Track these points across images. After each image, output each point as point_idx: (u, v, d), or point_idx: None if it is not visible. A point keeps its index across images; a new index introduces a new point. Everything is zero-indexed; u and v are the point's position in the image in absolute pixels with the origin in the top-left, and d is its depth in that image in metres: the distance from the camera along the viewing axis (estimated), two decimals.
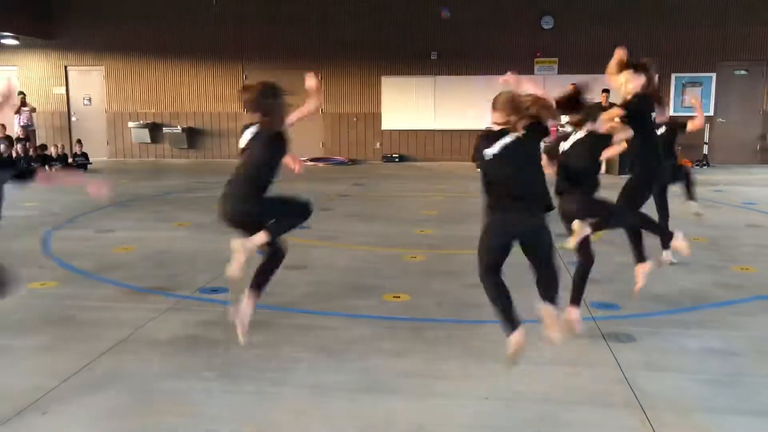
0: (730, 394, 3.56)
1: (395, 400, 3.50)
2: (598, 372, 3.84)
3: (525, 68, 15.43)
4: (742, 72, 15.22)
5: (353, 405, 3.44)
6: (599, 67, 16.59)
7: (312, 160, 15.82)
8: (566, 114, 4.20)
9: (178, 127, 16.53)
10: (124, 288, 5.52)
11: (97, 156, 16.00)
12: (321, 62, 16.07)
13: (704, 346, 4.23)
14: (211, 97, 16.64)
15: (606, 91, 13.69)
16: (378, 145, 16.33)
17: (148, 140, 16.69)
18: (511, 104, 3.65)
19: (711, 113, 15.18)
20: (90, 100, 17.11)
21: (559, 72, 15.25)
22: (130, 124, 16.63)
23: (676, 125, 6.19)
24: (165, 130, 16.57)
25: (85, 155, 14.56)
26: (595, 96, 13.73)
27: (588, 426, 3.23)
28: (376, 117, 16.25)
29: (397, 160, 16.08)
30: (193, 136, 16.73)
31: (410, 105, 16.05)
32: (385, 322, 4.70)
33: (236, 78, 16.48)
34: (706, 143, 14.90)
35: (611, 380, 3.74)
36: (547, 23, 15.28)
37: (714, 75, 15.19)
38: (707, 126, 14.82)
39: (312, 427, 3.24)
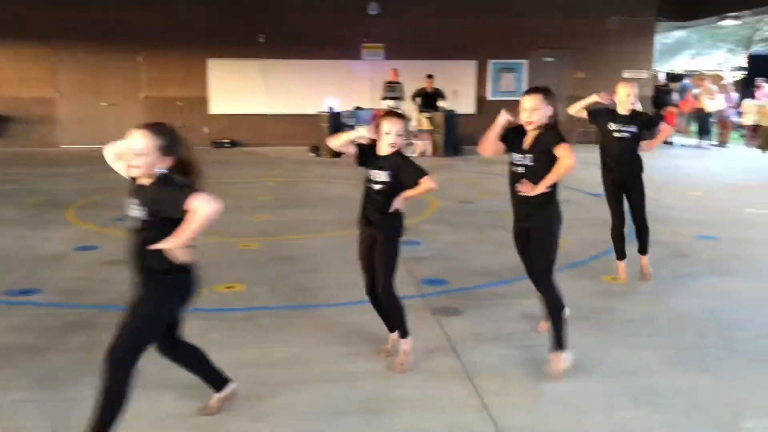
0: (547, 358, 3.84)
1: None
2: (428, 346, 4.00)
3: (353, 54, 15.65)
4: (550, 59, 16.48)
5: (182, 402, 3.31)
6: (423, 53, 17.26)
7: None
8: None
9: None
10: None
11: None
12: (141, 43, 15.20)
13: (523, 314, 4.55)
14: (18, 81, 15.14)
15: (430, 76, 14.23)
16: (206, 130, 15.78)
17: None
18: None
19: None
20: None
21: (386, 57, 15.60)
22: None
23: None
24: None
25: None
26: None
27: (419, 400, 3.35)
28: (204, 101, 15.69)
29: (228, 145, 15.66)
30: None
31: (240, 89, 15.67)
32: (217, 314, 4.57)
33: (47, 61, 15.15)
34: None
35: (440, 353, 3.91)
36: (373, 9, 15.54)
37: (526, 62, 16.33)
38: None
39: (140, 429, 3.08)
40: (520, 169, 3.69)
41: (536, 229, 3.72)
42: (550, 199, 3.68)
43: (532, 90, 3.72)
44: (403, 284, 5.14)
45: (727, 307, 4.73)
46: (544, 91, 3.69)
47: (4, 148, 15.04)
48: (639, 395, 3.40)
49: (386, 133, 3.52)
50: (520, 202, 3.73)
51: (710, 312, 4.62)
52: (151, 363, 3.70)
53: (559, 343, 3.61)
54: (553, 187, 3.66)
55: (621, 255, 5.29)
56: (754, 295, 5.01)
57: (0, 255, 6.02)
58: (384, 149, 3.57)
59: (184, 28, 15.10)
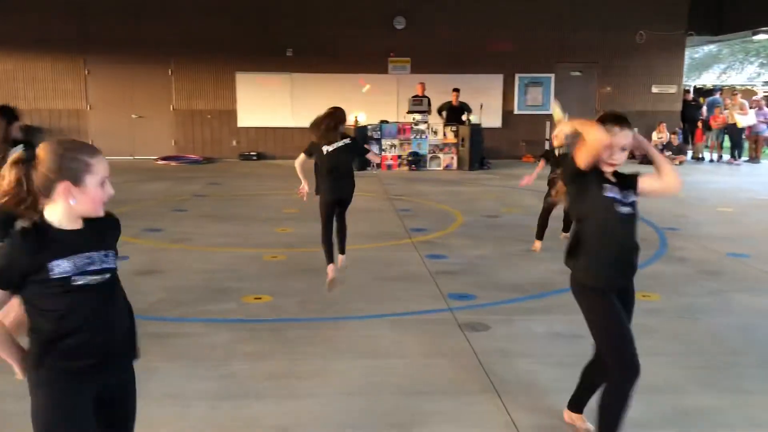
0: (575, 374, 3.78)
1: (258, 404, 3.43)
2: (455, 361, 3.97)
3: (379, 67, 15.74)
4: (577, 73, 16.41)
5: (214, 412, 3.32)
6: (449, 67, 17.30)
7: (164, 158, 15.18)
8: None
9: None
10: None
11: None
12: (171, 56, 15.45)
13: (551, 330, 4.50)
14: (50, 93, 15.46)
15: (456, 90, 14.26)
16: (234, 142, 15.96)
17: None
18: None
19: (551, 111, 16.23)
20: None
21: (412, 71, 15.67)
22: None
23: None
24: None
25: None
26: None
27: (446, 414, 3.33)
28: (232, 114, 15.88)
29: (255, 157, 15.80)
30: (31, 136, 15.44)
31: (267, 102, 15.82)
32: (246, 324, 4.59)
33: (79, 73, 15.45)
34: (548, 139, 15.91)
35: (468, 368, 3.88)
36: (400, 23, 15.63)
37: (552, 76, 16.27)
38: (548, 123, 15.89)
39: None
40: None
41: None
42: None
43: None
44: (430, 298, 5.16)
45: (762, 325, 4.64)
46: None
47: None
48: (669, 414, 3.34)
49: None
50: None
51: (744, 330, 4.53)
52: None
53: None
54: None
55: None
56: None
57: None
58: None
59: (213, 42, 15.31)
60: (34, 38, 15.04)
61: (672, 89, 16.53)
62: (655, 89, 16.42)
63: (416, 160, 13.87)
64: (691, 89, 19.04)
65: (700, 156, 16.32)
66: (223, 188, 11.30)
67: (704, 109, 17.28)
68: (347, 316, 4.77)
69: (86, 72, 15.46)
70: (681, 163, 15.18)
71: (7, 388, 3.58)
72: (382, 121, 14.21)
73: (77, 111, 15.58)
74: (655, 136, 15.86)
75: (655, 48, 16.15)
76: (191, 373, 3.78)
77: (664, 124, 15.85)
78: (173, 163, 14.97)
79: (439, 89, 14.60)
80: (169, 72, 15.63)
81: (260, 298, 5.15)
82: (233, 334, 4.39)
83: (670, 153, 15.38)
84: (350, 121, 13.91)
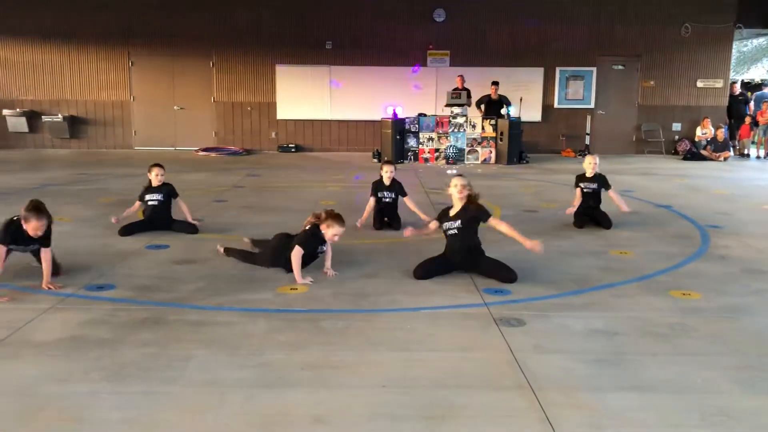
0: (612, 372, 3.77)
1: (293, 393, 3.47)
2: (490, 356, 3.96)
3: (418, 60, 15.70)
4: (619, 67, 16.13)
5: (249, 401, 3.38)
6: (488, 60, 17.17)
7: (204, 150, 15.39)
8: None
9: (60, 116, 15.61)
10: None
11: None
12: (213, 49, 15.66)
13: (588, 327, 4.46)
14: (95, 84, 15.81)
15: (495, 83, 14.15)
16: (273, 134, 16.11)
17: (26, 129, 15.66)
18: None
19: (592, 105, 16.01)
20: None
21: (451, 64, 15.60)
22: (6, 112, 15.54)
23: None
24: (44, 118, 15.61)
25: None
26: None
27: (480, 409, 3.33)
28: (271, 106, 16.02)
29: (293, 150, 15.93)
30: (76, 126, 15.85)
31: (306, 95, 15.92)
32: (281, 314, 4.65)
33: (123, 65, 15.76)
34: (588, 134, 15.70)
35: (502, 363, 3.87)
36: (440, 16, 15.56)
37: (594, 69, 16.02)
38: (589, 117, 15.67)
39: (206, 425, 3.16)
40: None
41: None
42: None
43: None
44: (465, 292, 5.15)
45: None
46: None
47: (81, 149, 15.74)
48: (707, 414, 3.28)
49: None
50: None
51: None
52: None
53: None
54: None
55: None
56: None
57: (78, 252, 6.29)
58: None
59: (254, 34, 15.48)
60: (80, 31, 15.40)
61: (718, 83, 16.14)
62: (700, 84, 16.05)
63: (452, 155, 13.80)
64: (739, 83, 18.50)
65: (746, 152, 15.91)
66: (261, 180, 11.42)
67: (752, 104, 16.82)
68: (382, 309, 4.79)
69: (130, 63, 15.76)
70: (726, 159, 14.83)
71: (48, 371, 3.70)
72: (420, 114, 14.17)
73: (121, 102, 15.90)
74: (699, 131, 15.52)
75: (701, 41, 15.78)
76: (228, 362, 3.85)
77: (709, 120, 15.49)
78: (213, 155, 15.17)
79: (478, 82, 14.51)
80: (211, 64, 15.83)
81: (296, 289, 5.21)
82: (269, 324, 4.45)
83: (714, 149, 15.03)
84: (388, 113, 13.94)
